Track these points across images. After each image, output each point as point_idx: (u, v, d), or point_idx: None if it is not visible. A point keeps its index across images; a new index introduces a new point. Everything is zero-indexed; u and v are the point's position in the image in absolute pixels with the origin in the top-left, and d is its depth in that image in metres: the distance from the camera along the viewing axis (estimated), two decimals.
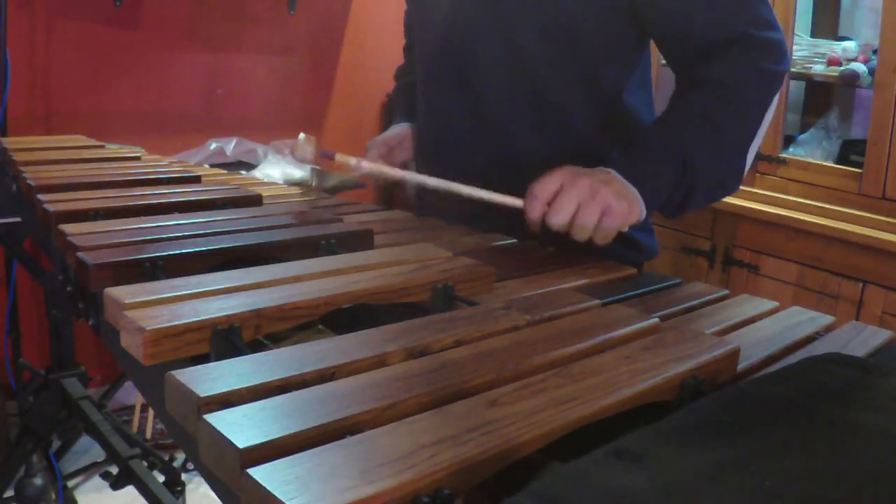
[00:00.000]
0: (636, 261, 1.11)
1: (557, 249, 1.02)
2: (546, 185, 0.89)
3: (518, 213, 0.93)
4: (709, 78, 0.96)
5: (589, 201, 0.88)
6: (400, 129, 1.29)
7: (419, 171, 1.25)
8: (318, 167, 1.24)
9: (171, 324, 0.60)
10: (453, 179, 0.98)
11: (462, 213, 1.12)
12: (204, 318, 0.62)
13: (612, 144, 1.08)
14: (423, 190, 1.22)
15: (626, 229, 0.92)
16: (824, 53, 2.32)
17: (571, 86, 1.06)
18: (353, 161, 1.03)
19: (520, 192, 0.93)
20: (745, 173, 0.99)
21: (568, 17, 1.01)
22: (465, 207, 1.07)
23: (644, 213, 0.93)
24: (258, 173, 2.34)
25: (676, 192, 0.95)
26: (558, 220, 0.88)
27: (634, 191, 0.91)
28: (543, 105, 1.07)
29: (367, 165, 1.05)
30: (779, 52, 0.96)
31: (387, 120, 1.24)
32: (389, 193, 3.09)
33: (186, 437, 0.51)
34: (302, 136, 1.06)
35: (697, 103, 0.96)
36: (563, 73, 1.05)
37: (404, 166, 1.26)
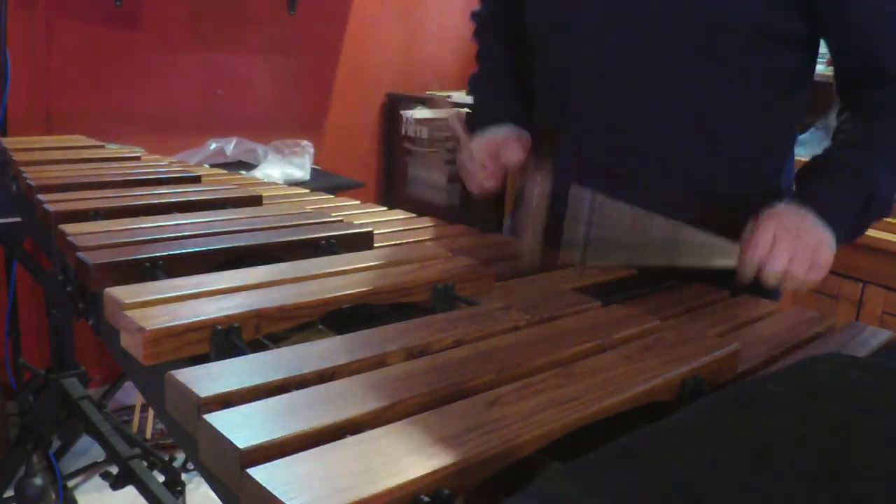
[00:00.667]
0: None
1: (557, 249, 1.01)
2: (764, 239, 0.87)
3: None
4: (889, 108, 0.94)
5: (800, 254, 0.87)
6: (505, 130, 1.12)
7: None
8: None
9: (171, 324, 0.60)
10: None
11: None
12: (204, 318, 0.62)
13: (761, 153, 1.03)
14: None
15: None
16: (824, 53, 2.32)
17: (724, 84, 0.98)
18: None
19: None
20: None
21: (735, 42, 0.95)
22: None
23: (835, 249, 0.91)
24: (258, 173, 2.34)
25: (858, 223, 0.94)
26: (774, 275, 0.86)
27: (831, 231, 0.90)
28: (692, 106, 0.99)
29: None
30: None
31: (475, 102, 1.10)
32: (391, 192, 3.09)
33: (186, 437, 0.51)
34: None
35: (882, 135, 0.94)
36: (716, 67, 0.97)
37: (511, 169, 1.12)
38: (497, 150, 1.08)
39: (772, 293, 1.04)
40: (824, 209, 0.90)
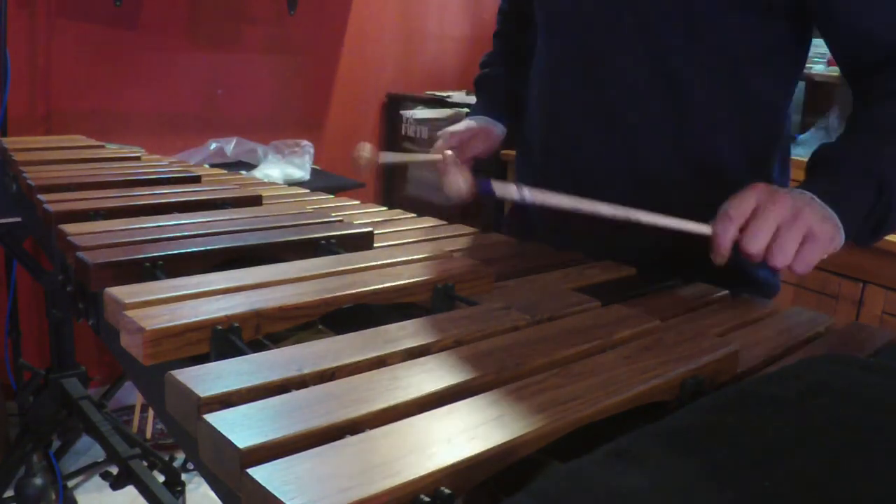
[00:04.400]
0: None
1: (557, 249, 1.02)
2: (742, 206, 0.77)
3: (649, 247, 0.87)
4: (889, 89, 0.87)
5: (790, 223, 0.76)
6: (474, 123, 1.16)
7: (520, 177, 1.15)
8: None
9: (171, 324, 0.60)
10: (564, 188, 0.84)
11: (579, 238, 0.99)
12: (204, 318, 0.62)
13: (757, 166, 0.98)
14: (532, 210, 1.05)
15: (825, 256, 0.81)
16: (824, 53, 2.32)
17: (718, 94, 0.94)
18: (513, 189, 0.84)
19: (669, 211, 0.82)
20: None
21: (716, 12, 0.90)
22: (585, 232, 0.95)
23: (843, 240, 0.82)
24: (258, 173, 2.35)
25: (871, 215, 0.84)
26: (756, 245, 0.76)
27: (835, 215, 0.80)
28: (684, 113, 0.95)
29: (530, 194, 0.84)
30: None
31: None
32: (391, 192, 3.09)
33: (186, 437, 0.51)
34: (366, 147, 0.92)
35: (888, 119, 0.87)
36: (710, 78, 0.94)
37: (474, 161, 1.13)
38: (463, 142, 1.11)
39: (770, 286, 1.03)
40: (827, 195, 0.80)
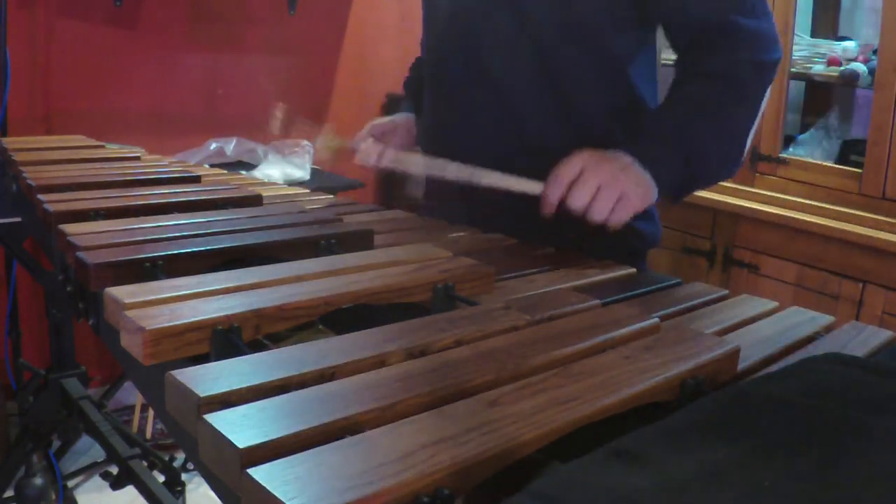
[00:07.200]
0: (639, 249, 1.14)
1: (557, 249, 1.02)
2: (569, 169, 0.93)
3: (524, 211, 0.97)
4: (710, 71, 1.00)
5: (608, 186, 0.92)
6: (399, 117, 1.30)
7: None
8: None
9: (171, 324, 0.60)
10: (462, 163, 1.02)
11: (468, 215, 1.14)
12: (204, 318, 0.62)
13: (619, 129, 1.08)
14: (430, 189, 1.22)
15: (635, 213, 0.97)
16: (824, 53, 2.32)
17: (580, 60, 1.06)
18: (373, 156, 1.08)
19: (532, 175, 0.97)
20: (744, 157, 1.06)
21: None
22: (472, 209, 1.10)
23: (655, 198, 0.98)
24: (258, 173, 2.34)
25: (681, 180, 1.00)
26: (579, 202, 0.92)
27: (649, 177, 0.95)
28: (554, 82, 1.07)
29: (389, 158, 1.09)
30: (771, 41, 1.00)
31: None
32: (390, 192, 3.09)
33: (186, 437, 0.51)
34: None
35: (702, 96, 1.00)
36: (572, 46, 1.05)
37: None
38: (384, 133, 1.27)
39: (649, 234, 1.14)
40: (644, 158, 0.96)
